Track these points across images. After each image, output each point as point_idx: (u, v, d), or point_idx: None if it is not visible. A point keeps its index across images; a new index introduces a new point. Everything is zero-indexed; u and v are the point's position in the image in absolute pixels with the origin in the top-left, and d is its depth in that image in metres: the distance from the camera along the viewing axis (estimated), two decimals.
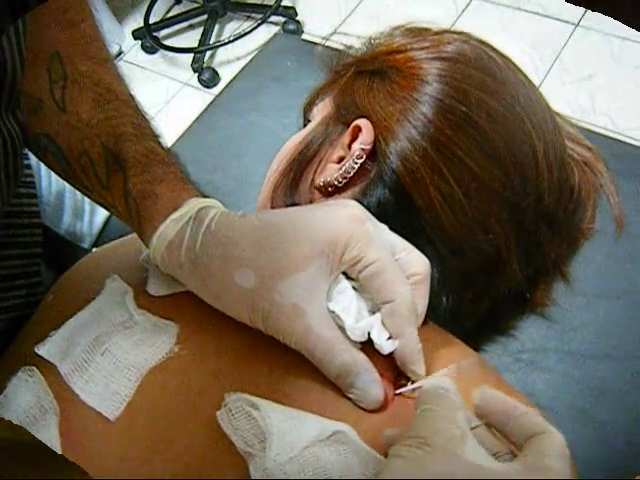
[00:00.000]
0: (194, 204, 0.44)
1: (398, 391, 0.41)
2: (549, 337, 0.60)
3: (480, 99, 0.51)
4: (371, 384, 0.40)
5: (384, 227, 0.45)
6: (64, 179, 0.52)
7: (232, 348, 0.44)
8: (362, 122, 0.52)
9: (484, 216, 0.50)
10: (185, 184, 0.46)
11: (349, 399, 0.40)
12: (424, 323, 0.46)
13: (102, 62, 0.50)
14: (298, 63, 0.90)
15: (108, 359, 0.43)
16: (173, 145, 0.86)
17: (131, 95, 0.51)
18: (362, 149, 0.51)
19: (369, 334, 0.42)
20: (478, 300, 0.54)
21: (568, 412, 0.56)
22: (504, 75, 0.54)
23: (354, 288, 0.43)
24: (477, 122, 0.50)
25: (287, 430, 0.36)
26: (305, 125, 0.62)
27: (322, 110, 0.59)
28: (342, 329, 0.42)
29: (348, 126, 0.53)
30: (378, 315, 0.42)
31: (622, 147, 0.81)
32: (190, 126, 0.89)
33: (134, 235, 0.52)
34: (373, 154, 0.51)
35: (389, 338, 0.42)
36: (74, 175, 0.49)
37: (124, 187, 0.46)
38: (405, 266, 0.43)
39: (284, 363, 0.42)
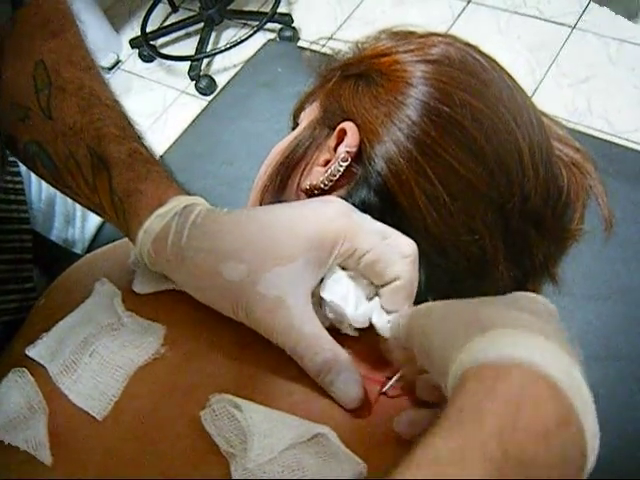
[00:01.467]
0: (180, 200, 0.45)
1: (383, 390, 0.41)
2: None
3: (464, 101, 0.51)
4: (351, 383, 0.40)
5: (367, 216, 0.45)
6: (54, 186, 0.53)
7: (219, 349, 0.44)
8: (347, 125, 0.52)
9: (469, 217, 0.50)
10: (170, 182, 0.47)
11: (333, 400, 0.41)
12: None
13: (86, 69, 0.51)
14: (289, 69, 0.91)
15: (96, 360, 0.43)
16: (166, 152, 0.87)
17: (116, 100, 0.51)
18: (347, 152, 0.51)
19: (369, 320, 0.43)
20: None
21: None
22: (489, 77, 0.54)
23: (350, 277, 0.44)
24: (462, 123, 0.50)
25: (268, 431, 0.36)
26: (294, 129, 0.62)
27: (309, 114, 0.60)
28: (338, 319, 0.43)
29: (334, 129, 0.53)
30: (377, 300, 0.43)
31: (617, 149, 0.81)
32: (182, 133, 0.89)
33: (125, 240, 0.53)
34: (359, 157, 0.52)
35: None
36: (62, 180, 0.50)
37: (109, 186, 0.46)
38: (395, 249, 0.44)
39: (270, 363, 0.43)
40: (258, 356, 0.43)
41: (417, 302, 0.46)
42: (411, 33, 0.59)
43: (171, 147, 0.88)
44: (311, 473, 0.35)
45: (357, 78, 0.55)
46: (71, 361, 0.44)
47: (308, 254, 0.41)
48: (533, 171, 0.54)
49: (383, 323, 0.42)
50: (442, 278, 0.51)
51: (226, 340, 0.44)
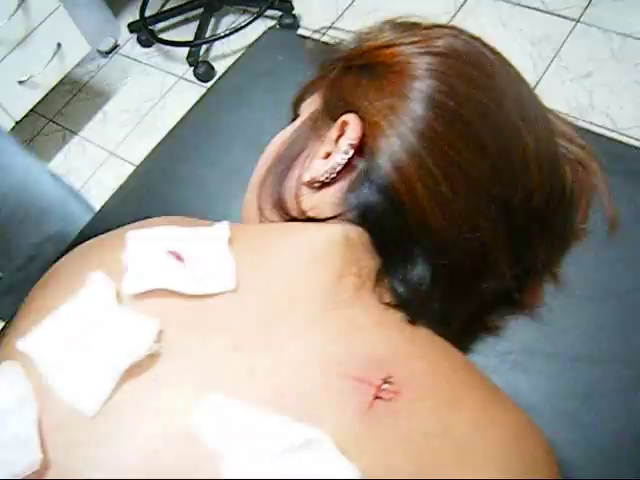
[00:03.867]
0: None
1: (378, 394, 0.41)
2: (537, 339, 0.59)
3: (470, 95, 0.50)
4: None
5: None
6: None
7: (215, 348, 0.43)
8: (350, 117, 0.51)
9: (472, 213, 0.49)
10: None
11: (329, 404, 0.40)
12: (412, 324, 0.46)
13: None
14: (290, 58, 0.89)
15: (87, 355, 0.42)
16: (163, 139, 0.85)
17: None
18: (349, 144, 0.50)
19: None
20: (466, 300, 0.53)
21: (554, 415, 0.56)
22: (495, 70, 0.53)
23: None
24: (467, 118, 0.49)
25: (259, 434, 0.35)
26: (293, 121, 0.61)
27: (310, 105, 0.58)
28: None
29: (336, 121, 0.52)
30: None
31: (618, 146, 0.80)
32: (180, 121, 0.88)
33: (119, 230, 0.51)
34: (361, 150, 0.50)
35: None
36: None
37: None
38: None
39: (266, 365, 0.42)
40: (254, 358, 0.42)
41: (420, 302, 0.45)
42: (415, 24, 0.58)
43: (168, 134, 0.86)
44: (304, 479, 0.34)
45: (360, 69, 0.54)
46: (62, 355, 0.42)
47: None
48: (537, 167, 0.53)
49: None
50: (443, 276, 0.50)
51: (222, 341, 0.43)
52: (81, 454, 0.39)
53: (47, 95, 2.07)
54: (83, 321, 0.44)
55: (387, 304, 0.47)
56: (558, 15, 1.99)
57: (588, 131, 0.72)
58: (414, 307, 0.48)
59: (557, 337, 0.59)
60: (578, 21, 1.96)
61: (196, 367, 0.42)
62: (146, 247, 0.48)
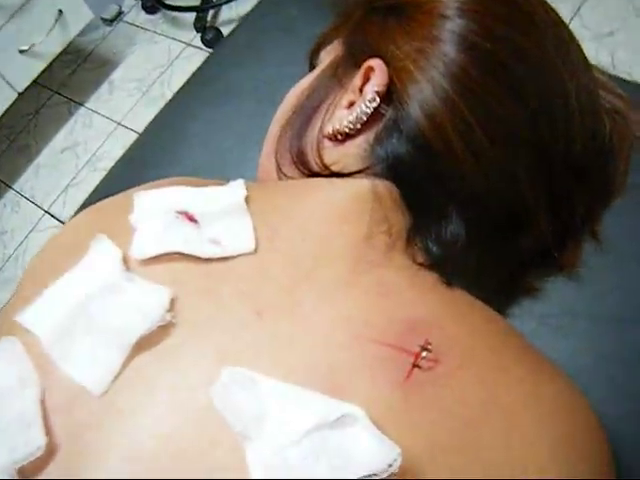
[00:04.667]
0: None
1: (417, 362, 0.37)
2: (578, 300, 0.55)
3: (506, 35, 0.46)
4: None
5: None
6: None
7: (235, 316, 0.39)
8: (375, 62, 0.47)
9: (509, 163, 0.46)
10: None
11: (362, 375, 0.36)
12: (448, 286, 0.43)
13: None
14: (304, 12, 0.84)
15: (92, 328, 0.38)
16: (171, 100, 0.81)
17: None
18: (375, 92, 0.46)
19: None
20: (502, 259, 0.50)
21: (599, 382, 0.52)
22: (533, 9, 0.49)
23: None
24: (503, 60, 0.45)
25: (288, 411, 0.32)
26: (312, 71, 0.57)
27: (330, 53, 0.54)
28: None
29: (359, 68, 0.48)
30: None
31: None
32: (187, 80, 0.83)
33: (126, 192, 0.48)
34: (388, 97, 0.47)
35: None
36: None
37: None
38: None
39: (292, 332, 0.38)
40: (278, 323, 0.38)
41: (455, 261, 0.42)
42: None
43: (177, 94, 0.82)
44: (339, 458, 0.30)
45: (386, 11, 0.50)
46: (65, 329, 0.38)
47: None
48: (579, 115, 0.49)
49: None
50: (478, 232, 0.46)
51: (242, 309, 0.39)
52: (89, 437, 0.35)
53: (50, 65, 2.02)
54: (87, 290, 0.40)
55: (421, 264, 0.44)
56: None
57: (624, 80, 0.67)
58: (449, 267, 0.44)
59: (599, 298, 0.55)
60: None
61: (214, 337, 0.38)
62: (156, 208, 0.44)
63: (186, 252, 0.41)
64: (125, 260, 0.42)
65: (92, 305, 0.39)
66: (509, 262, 0.51)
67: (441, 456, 0.34)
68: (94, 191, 0.82)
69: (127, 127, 2.10)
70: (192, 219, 0.44)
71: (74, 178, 2.05)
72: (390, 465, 0.31)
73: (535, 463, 0.35)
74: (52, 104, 2.26)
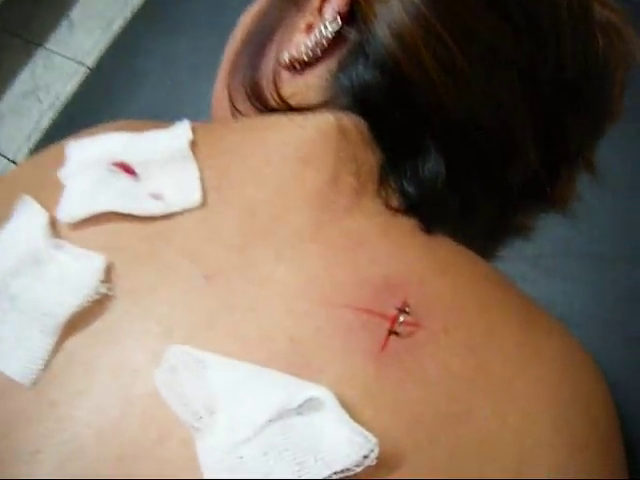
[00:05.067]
0: None
1: (394, 328, 0.32)
2: (572, 239, 0.51)
3: None
4: None
5: None
6: None
7: (181, 283, 0.34)
8: None
9: (492, 87, 0.40)
10: None
11: (330, 346, 0.31)
12: (428, 233, 0.38)
13: None
14: None
15: (17, 307, 0.33)
16: (119, 34, 0.73)
17: None
18: (336, 11, 0.40)
19: None
20: (489, 197, 0.45)
21: (596, 326, 0.48)
22: None
23: None
24: None
25: (245, 396, 0.27)
26: None
27: None
28: None
29: None
30: None
31: None
32: (140, 11, 0.76)
33: (61, 142, 0.42)
34: (351, 18, 0.41)
35: None
36: None
37: None
38: None
39: (248, 299, 0.33)
40: (231, 293, 0.33)
41: (437, 200, 0.39)
42: None
43: (125, 28, 0.74)
44: (305, 451, 0.26)
45: None
46: None
47: None
48: (571, 30, 0.43)
49: None
50: (461, 167, 0.41)
51: (185, 272, 0.34)
52: (18, 435, 0.30)
53: (4, 5, 1.91)
54: (8, 263, 0.34)
55: (395, 210, 0.39)
56: None
57: None
58: (429, 210, 0.39)
59: (595, 236, 0.51)
60: None
61: (158, 309, 0.33)
62: (88, 161, 0.38)
63: (122, 211, 0.35)
64: (53, 225, 0.36)
65: (16, 281, 0.34)
66: (497, 201, 0.46)
67: (425, 436, 0.30)
68: (44, 137, 0.75)
69: (91, 67, 2.00)
70: (130, 171, 0.38)
71: (38, 123, 1.96)
72: (366, 457, 0.26)
73: (534, 436, 0.31)
74: (10, 47, 2.15)
